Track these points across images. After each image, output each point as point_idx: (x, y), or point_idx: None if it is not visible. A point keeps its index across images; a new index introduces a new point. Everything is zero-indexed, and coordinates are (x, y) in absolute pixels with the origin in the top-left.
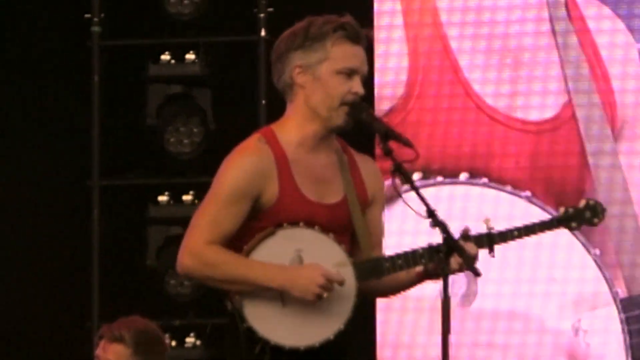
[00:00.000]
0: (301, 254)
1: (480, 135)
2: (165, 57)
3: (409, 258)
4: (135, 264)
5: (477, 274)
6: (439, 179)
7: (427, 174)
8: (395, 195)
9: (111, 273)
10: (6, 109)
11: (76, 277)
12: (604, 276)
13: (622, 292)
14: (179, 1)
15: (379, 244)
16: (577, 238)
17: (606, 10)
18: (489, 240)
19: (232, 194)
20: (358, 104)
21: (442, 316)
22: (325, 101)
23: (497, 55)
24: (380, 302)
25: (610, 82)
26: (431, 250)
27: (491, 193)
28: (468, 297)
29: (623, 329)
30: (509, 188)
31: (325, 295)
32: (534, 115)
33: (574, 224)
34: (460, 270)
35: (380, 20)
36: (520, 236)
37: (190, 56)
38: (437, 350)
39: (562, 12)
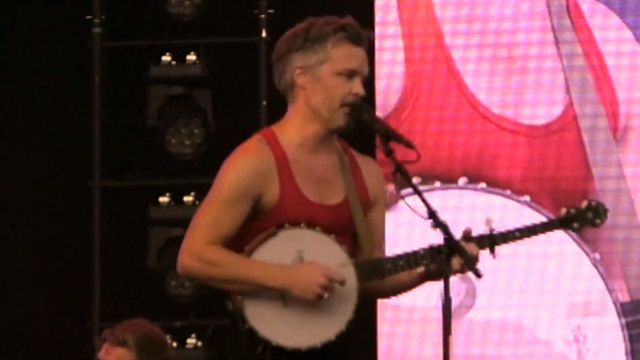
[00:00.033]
0: (302, 254)
1: (479, 140)
2: (166, 58)
3: (411, 259)
4: (136, 265)
5: (478, 275)
6: (437, 184)
7: (425, 179)
8: (396, 198)
9: (112, 274)
10: (7, 109)
11: (77, 278)
12: (604, 281)
13: (622, 297)
14: (179, 2)
15: (380, 245)
16: (576, 242)
17: (614, 19)
18: (491, 241)
19: (233, 195)
20: (359, 105)
21: (443, 317)
22: (325, 102)
23: (499, 62)
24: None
25: (615, 91)
26: (432, 251)
27: (490, 198)
28: (460, 309)
29: (624, 335)
30: (507, 193)
31: (326, 295)
32: (534, 120)
33: (575, 225)
34: (461, 271)
35: (380, 23)
36: (521, 237)
37: (191, 57)
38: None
39: (567, 21)
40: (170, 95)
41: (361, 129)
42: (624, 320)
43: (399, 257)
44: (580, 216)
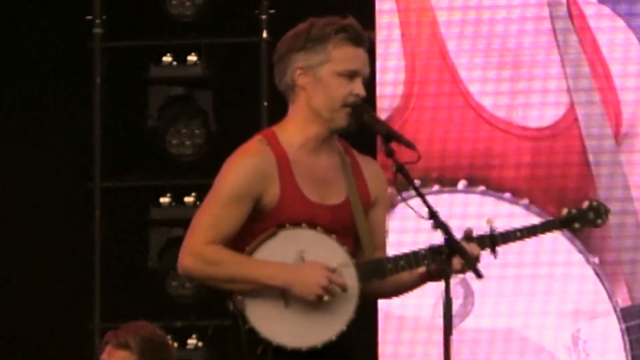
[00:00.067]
0: (303, 255)
1: (478, 143)
2: (167, 58)
3: (412, 259)
4: (137, 265)
5: (479, 275)
6: (436, 187)
7: (425, 182)
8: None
9: (113, 275)
10: (7, 110)
11: (77, 279)
12: (604, 285)
13: (622, 302)
14: (180, 3)
15: (382, 245)
16: (575, 246)
17: (605, 9)
18: (492, 241)
19: (233, 195)
20: (360, 105)
21: (444, 317)
22: (326, 103)
23: (496, 54)
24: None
25: (613, 80)
26: (433, 251)
27: (489, 201)
28: (456, 317)
29: (624, 340)
30: (507, 195)
31: (326, 298)
32: (534, 122)
33: (577, 225)
34: (462, 271)
35: (380, 26)
36: (522, 237)
37: (192, 58)
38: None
39: (563, 10)
40: (171, 95)
41: (362, 130)
42: (624, 325)
43: (399, 257)
44: (581, 216)
